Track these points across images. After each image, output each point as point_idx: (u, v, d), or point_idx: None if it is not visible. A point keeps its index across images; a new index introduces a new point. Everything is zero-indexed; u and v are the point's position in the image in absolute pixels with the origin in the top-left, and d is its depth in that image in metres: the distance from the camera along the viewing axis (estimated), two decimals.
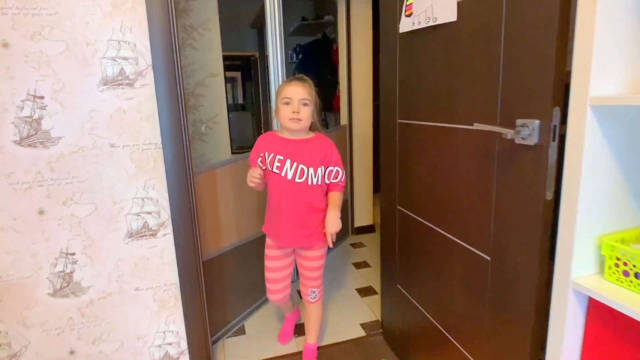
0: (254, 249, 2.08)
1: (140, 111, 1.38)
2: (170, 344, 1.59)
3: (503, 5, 0.90)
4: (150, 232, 1.47)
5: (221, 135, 2.36)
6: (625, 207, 0.80)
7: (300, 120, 1.38)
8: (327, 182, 1.47)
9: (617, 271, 0.74)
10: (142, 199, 1.44)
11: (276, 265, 1.57)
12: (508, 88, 0.91)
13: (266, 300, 2.20)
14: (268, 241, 1.57)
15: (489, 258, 1.04)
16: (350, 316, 2.04)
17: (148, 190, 1.44)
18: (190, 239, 1.50)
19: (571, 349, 0.83)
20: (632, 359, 0.72)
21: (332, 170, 1.46)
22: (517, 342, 0.97)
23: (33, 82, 1.27)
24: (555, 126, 0.81)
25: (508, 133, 0.88)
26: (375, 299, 2.18)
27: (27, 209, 1.34)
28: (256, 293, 2.15)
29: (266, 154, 1.44)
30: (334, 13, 3.02)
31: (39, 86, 1.28)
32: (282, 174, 1.41)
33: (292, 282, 1.73)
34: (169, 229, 1.48)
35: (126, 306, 1.51)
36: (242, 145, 3.85)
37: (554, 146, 0.82)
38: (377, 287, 2.30)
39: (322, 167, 1.44)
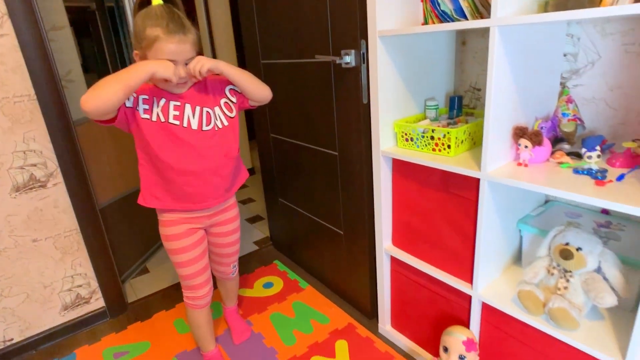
0: None
1: (4, 63, 1.38)
2: (80, 285, 1.70)
3: None
4: (40, 184, 1.52)
5: (79, 94, 2.29)
6: (407, 103, 1.28)
7: (187, 82, 1.09)
8: (233, 100, 1.19)
9: (403, 140, 1.23)
10: (24, 152, 1.47)
11: (191, 242, 1.23)
12: (334, 29, 1.29)
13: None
14: (170, 216, 1.20)
15: (336, 153, 1.48)
16: (245, 239, 2.39)
17: (29, 143, 1.47)
18: (83, 185, 1.60)
19: (386, 194, 1.33)
20: (413, 189, 1.23)
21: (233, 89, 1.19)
22: (359, 206, 1.45)
23: None
24: (363, 53, 1.23)
25: (337, 60, 1.27)
26: (263, 223, 2.57)
27: None
28: (153, 236, 2.31)
29: (154, 99, 1.07)
30: None
31: None
32: (185, 125, 1.10)
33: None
34: (59, 178, 1.55)
35: (25, 259, 1.56)
36: None
37: (364, 67, 1.24)
38: (263, 214, 2.68)
39: (224, 97, 1.18)
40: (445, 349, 1.13)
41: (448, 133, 1.10)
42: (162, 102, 1.08)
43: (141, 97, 1.07)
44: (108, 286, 1.76)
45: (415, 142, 1.20)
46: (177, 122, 1.09)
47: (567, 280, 0.96)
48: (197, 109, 1.12)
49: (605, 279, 0.92)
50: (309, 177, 1.71)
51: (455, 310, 1.21)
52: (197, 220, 1.23)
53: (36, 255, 1.58)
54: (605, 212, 1.15)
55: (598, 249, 0.93)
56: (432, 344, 1.33)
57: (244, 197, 3.06)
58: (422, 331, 1.36)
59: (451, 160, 1.09)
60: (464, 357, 1.09)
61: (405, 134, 1.22)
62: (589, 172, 0.91)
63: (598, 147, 0.92)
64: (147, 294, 1.92)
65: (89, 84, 1.27)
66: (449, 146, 1.12)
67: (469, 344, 1.08)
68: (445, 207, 1.15)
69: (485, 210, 1.02)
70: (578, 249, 0.94)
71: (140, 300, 1.88)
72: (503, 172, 0.98)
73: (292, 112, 1.67)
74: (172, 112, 1.09)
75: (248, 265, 2.09)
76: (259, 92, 1.19)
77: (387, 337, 1.49)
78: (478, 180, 1.02)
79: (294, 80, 1.59)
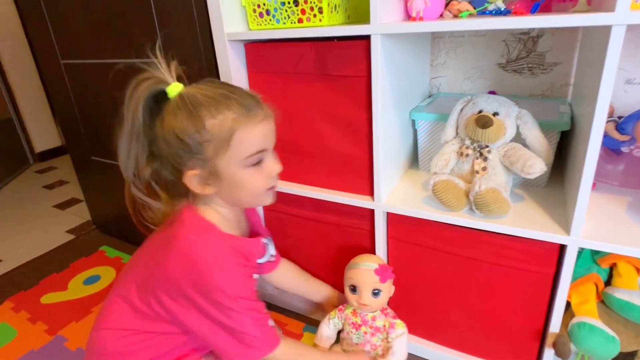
0: None
1: None
2: None
3: None
4: None
5: None
6: None
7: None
8: None
9: (256, 16, 0.86)
10: None
11: None
12: None
13: None
14: None
15: None
16: (52, 229, 1.69)
17: None
18: None
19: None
20: (280, 85, 0.88)
21: None
22: None
23: None
24: None
25: None
26: (82, 206, 1.88)
27: None
28: None
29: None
30: None
31: None
32: None
33: None
34: None
35: None
36: None
37: None
38: (81, 195, 1.98)
39: None
40: (353, 289, 0.84)
41: None
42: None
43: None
44: None
45: (274, 16, 0.85)
46: None
47: (485, 159, 0.76)
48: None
49: (524, 146, 0.75)
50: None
51: (353, 238, 0.93)
52: None
53: None
54: (492, 92, 1.03)
55: (514, 110, 0.75)
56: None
57: (50, 182, 2.25)
58: None
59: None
60: (379, 290, 0.82)
61: (258, 6, 0.85)
62: (497, 12, 0.71)
63: None
64: None
65: None
66: (320, 10, 0.79)
67: (383, 272, 0.81)
68: (328, 100, 0.83)
69: (381, 87, 0.74)
70: (494, 114, 0.74)
71: None
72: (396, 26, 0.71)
73: (91, 22, 1.12)
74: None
75: (58, 262, 1.44)
76: None
77: (274, 303, 1.14)
78: (367, 43, 0.72)
79: None
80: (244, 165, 0.63)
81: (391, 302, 0.93)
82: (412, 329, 0.93)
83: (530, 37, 0.95)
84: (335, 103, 0.83)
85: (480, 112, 0.75)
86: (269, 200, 0.70)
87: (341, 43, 0.77)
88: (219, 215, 0.68)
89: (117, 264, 1.39)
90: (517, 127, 0.75)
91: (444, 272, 0.84)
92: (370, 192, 0.85)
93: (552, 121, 0.78)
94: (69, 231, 1.67)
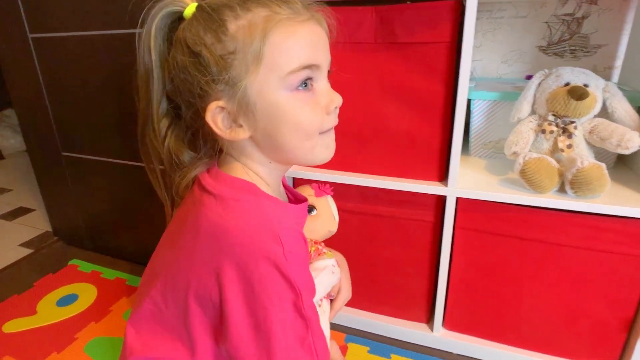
0: None
1: None
2: None
3: None
4: None
5: None
6: None
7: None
8: None
9: None
10: None
11: None
12: None
13: None
14: None
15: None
16: (1, 243, 1.39)
17: None
18: None
19: None
20: None
21: None
22: None
23: None
24: None
25: None
26: (36, 215, 1.59)
27: None
28: None
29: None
30: None
31: None
32: None
33: None
34: None
35: None
36: None
37: None
38: (32, 203, 1.68)
39: None
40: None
41: None
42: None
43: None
44: None
45: None
46: None
47: (570, 136, 0.70)
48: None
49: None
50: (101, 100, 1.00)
51: (412, 231, 0.82)
52: None
53: None
54: (530, 77, 0.99)
55: (601, 82, 0.71)
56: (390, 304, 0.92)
57: None
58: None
59: None
60: (313, 207, 0.69)
61: None
62: None
63: None
64: None
65: None
66: None
67: (318, 187, 0.70)
68: (391, 72, 0.73)
69: (470, 55, 0.66)
70: (585, 86, 0.69)
71: None
72: None
73: None
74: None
75: (16, 281, 1.17)
76: None
77: None
78: (455, 3, 0.64)
79: None
80: (287, 87, 0.42)
81: (452, 302, 0.84)
82: (480, 332, 0.85)
83: (575, 18, 0.93)
84: (401, 75, 0.73)
85: (567, 84, 0.70)
86: (325, 152, 0.47)
87: (417, 5, 0.68)
88: (256, 176, 0.47)
89: (97, 280, 1.15)
90: (604, 100, 0.70)
91: (521, 262, 0.76)
92: (440, 177, 0.76)
93: (632, 96, 0.74)
94: (24, 244, 1.38)
